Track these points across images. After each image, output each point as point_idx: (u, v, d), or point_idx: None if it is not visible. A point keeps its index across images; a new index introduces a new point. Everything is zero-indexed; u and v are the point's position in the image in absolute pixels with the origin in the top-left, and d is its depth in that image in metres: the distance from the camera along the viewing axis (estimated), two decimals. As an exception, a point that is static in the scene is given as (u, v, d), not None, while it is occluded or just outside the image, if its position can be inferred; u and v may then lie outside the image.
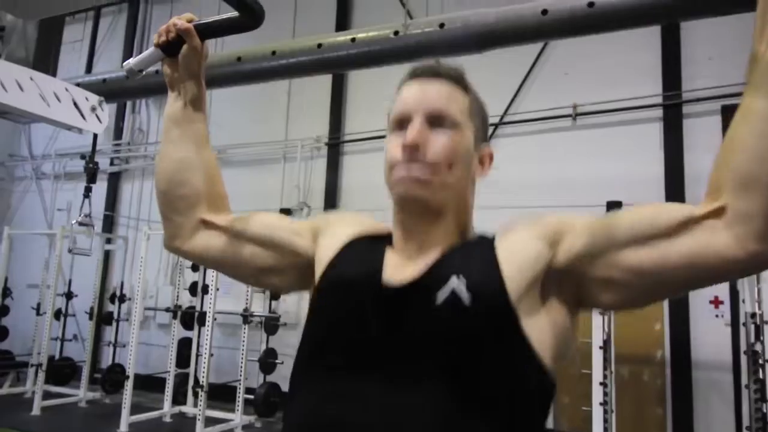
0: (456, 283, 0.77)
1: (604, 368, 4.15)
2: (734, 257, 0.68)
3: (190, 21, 0.92)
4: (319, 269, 0.91)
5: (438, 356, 0.76)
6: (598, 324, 4.01)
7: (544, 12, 3.72)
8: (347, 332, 0.82)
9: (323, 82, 7.06)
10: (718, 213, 0.70)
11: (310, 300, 0.90)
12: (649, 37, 5.53)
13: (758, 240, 0.66)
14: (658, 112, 5.55)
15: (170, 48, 0.92)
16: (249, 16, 0.86)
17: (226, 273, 1.04)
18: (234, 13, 0.86)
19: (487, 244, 0.84)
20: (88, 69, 8.41)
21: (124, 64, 0.96)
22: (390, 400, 0.74)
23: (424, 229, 0.86)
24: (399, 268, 0.83)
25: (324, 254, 0.92)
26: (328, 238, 0.94)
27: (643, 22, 3.75)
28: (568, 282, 0.81)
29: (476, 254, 0.82)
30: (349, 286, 0.85)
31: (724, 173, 0.71)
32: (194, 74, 0.97)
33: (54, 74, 6.36)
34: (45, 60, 6.17)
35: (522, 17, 3.81)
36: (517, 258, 0.80)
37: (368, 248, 0.89)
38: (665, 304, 5.31)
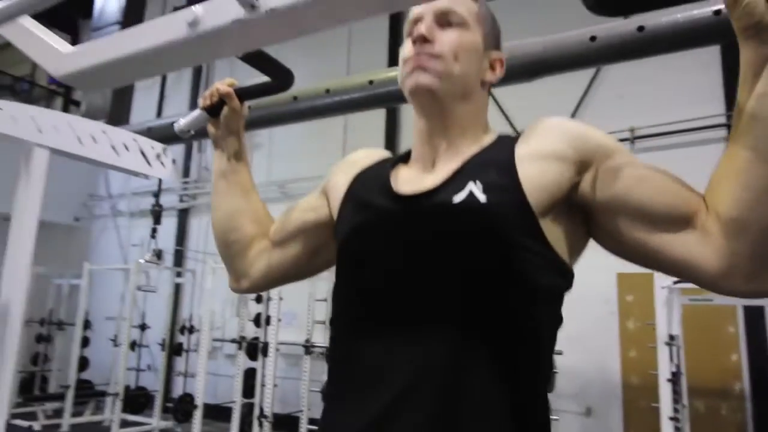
0: (473, 186, 0.80)
1: (675, 402, 3.96)
2: (719, 285, 0.73)
3: (230, 85, 1.03)
4: (335, 218, 0.96)
5: (452, 258, 0.78)
6: (664, 355, 3.85)
7: (593, 39, 3.71)
8: (365, 269, 0.85)
9: (378, 115, 7.24)
10: (711, 233, 0.73)
11: (336, 249, 0.94)
12: (708, 55, 5.37)
13: (741, 279, 0.71)
14: (722, 133, 5.34)
15: (213, 110, 1.03)
16: (280, 81, 0.96)
17: (293, 279, 1.08)
18: (268, 79, 0.97)
19: (507, 150, 0.86)
20: (159, 112, 8.99)
21: (175, 124, 1.08)
22: (408, 340, 0.77)
23: (439, 131, 0.90)
24: (416, 180, 0.87)
25: (335, 204, 0.97)
26: (334, 189, 0.99)
27: (697, 43, 3.66)
28: (583, 206, 0.84)
29: (495, 161, 0.85)
30: (362, 215, 0.89)
31: (716, 202, 0.74)
32: (235, 132, 1.07)
33: (128, 119, 6.86)
34: (120, 107, 6.67)
35: (569, 45, 3.81)
36: (536, 172, 0.81)
37: (373, 175, 0.94)
38: (741, 334, 5.03)
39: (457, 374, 0.75)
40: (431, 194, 0.84)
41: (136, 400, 7.56)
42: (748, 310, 4.93)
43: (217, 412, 7.04)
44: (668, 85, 5.56)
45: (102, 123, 1.95)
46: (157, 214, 6.23)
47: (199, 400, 5.97)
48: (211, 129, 1.07)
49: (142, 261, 6.05)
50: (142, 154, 1.91)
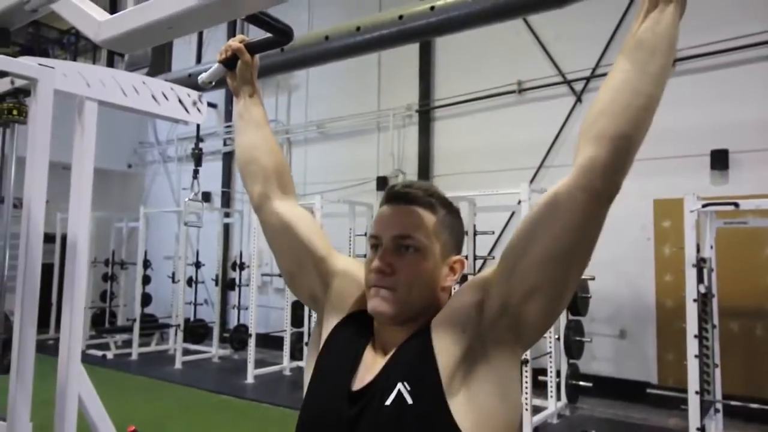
0: (401, 388, 0.91)
1: (704, 321, 4.06)
2: (585, 201, 0.83)
3: (241, 41, 1.18)
4: (323, 334, 1.07)
5: None
6: (692, 278, 3.92)
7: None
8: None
9: (411, 51, 7.20)
10: (574, 178, 0.84)
11: (306, 376, 1.08)
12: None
13: (599, 178, 0.82)
14: (765, 51, 5.12)
15: (229, 63, 1.19)
16: (281, 35, 1.11)
17: (275, 250, 1.19)
18: (270, 35, 1.11)
19: (425, 336, 0.95)
20: (198, 59, 9.17)
21: (198, 77, 1.24)
22: None
23: (389, 334, 1.00)
24: (368, 366, 0.99)
25: (326, 325, 1.08)
26: (334, 300, 1.10)
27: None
28: (504, 321, 0.92)
29: (416, 352, 0.94)
30: (327, 382, 1.02)
31: (581, 137, 0.85)
32: (249, 81, 1.23)
33: (169, 67, 7.06)
34: (161, 57, 6.88)
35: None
36: (448, 342, 0.92)
37: (353, 337, 1.04)
38: (780, 255, 5.01)
39: None
40: (369, 392, 0.95)
41: (196, 331, 8.19)
42: (787, 232, 4.89)
43: (270, 341, 7.56)
44: (709, 4, 5.31)
45: (142, 75, 2.12)
46: (197, 157, 6.58)
47: (252, 330, 6.44)
48: (229, 81, 1.24)
49: (186, 200, 6.42)
50: (180, 101, 2.09)
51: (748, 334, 5.09)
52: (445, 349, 0.92)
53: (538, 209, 0.89)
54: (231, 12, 0.86)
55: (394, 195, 1.04)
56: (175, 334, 7.61)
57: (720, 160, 5.24)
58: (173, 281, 8.28)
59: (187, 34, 1.02)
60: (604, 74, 4.34)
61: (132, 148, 10.57)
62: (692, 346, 3.82)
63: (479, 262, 5.69)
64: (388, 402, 0.91)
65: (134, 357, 7.62)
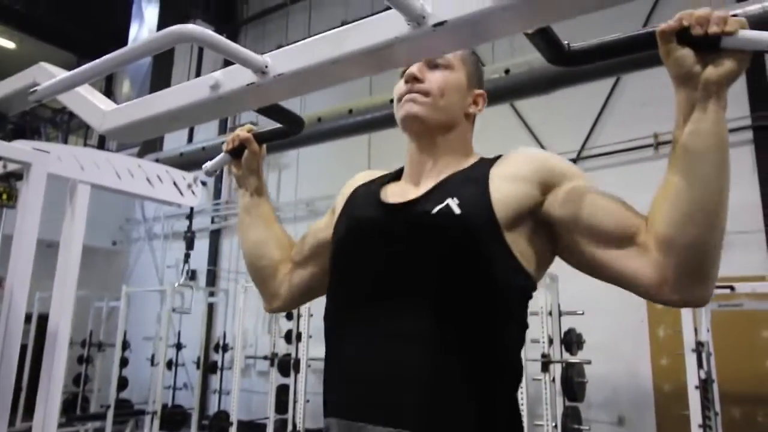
0: (450, 200, 0.92)
1: (707, 409, 3.93)
2: (651, 295, 0.84)
3: (249, 131, 1.16)
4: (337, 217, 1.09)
5: (430, 256, 0.90)
6: (692, 363, 3.83)
7: (607, 50, 3.75)
8: (352, 267, 0.99)
9: (401, 133, 7.34)
10: (648, 249, 0.84)
11: (331, 249, 1.07)
12: (730, 59, 5.34)
13: (670, 290, 0.82)
14: (748, 135, 5.30)
15: (235, 152, 1.16)
16: (292, 125, 1.08)
17: (316, 295, 1.19)
18: (281, 126, 1.09)
19: (483, 170, 0.98)
20: (189, 138, 9.29)
21: (203, 166, 1.21)
22: (389, 331, 0.89)
23: (430, 154, 1.04)
24: (402, 193, 1.01)
25: (337, 216, 1.09)
26: (339, 206, 1.12)
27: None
28: (546, 224, 0.94)
29: (471, 180, 0.97)
30: (352, 221, 1.03)
31: (653, 221, 0.84)
32: (255, 171, 1.21)
33: (161, 147, 7.11)
34: (153, 138, 6.92)
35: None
36: (506, 190, 0.93)
37: (368, 189, 1.08)
38: (775, 338, 4.95)
39: (431, 372, 0.86)
40: (413, 204, 0.97)
41: (173, 418, 7.75)
42: (781, 314, 4.85)
43: (252, 429, 7.17)
44: (689, 90, 5.53)
45: (136, 158, 2.10)
46: (189, 240, 6.52)
47: (234, 417, 6.11)
48: (234, 170, 1.20)
49: (176, 285, 6.26)
50: (175, 184, 2.05)
51: (750, 421, 4.92)
52: (503, 191, 0.92)
53: (620, 230, 0.88)
54: (243, 105, 0.83)
55: None
56: (152, 421, 7.19)
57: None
58: (152, 364, 7.93)
59: (194, 125, 0.99)
60: (590, 156, 4.43)
61: (118, 225, 10.46)
62: (697, 436, 3.67)
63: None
64: (433, 210, 0.91)
65: (105, 447, 7.17)
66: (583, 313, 4.57)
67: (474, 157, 1.07)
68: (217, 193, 9.31)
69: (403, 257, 0.92)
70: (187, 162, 5.97)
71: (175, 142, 8.29)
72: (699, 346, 3.94)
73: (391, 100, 4.39)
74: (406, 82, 1.03)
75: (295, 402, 6.57)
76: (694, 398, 3.75)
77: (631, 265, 0.85)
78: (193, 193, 2.14)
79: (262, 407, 7.24)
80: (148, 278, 9.85)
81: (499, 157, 1.01)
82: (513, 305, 0.93)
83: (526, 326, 0.96)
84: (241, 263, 8.83)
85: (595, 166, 6.05)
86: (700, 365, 3.89)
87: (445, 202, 0.92)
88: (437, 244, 0.90)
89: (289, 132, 1.09)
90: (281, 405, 6.75)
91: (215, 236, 9.28)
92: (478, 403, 0.85)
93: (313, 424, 6.33)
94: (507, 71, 4.35)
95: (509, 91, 4.44)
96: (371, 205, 1.02)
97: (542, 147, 6.37)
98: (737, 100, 5.38)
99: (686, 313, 3.92)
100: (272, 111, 1.00)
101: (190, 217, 6.88)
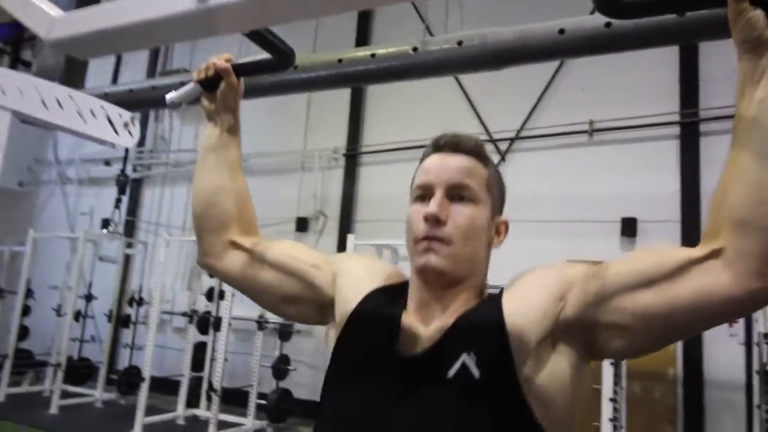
0: (466, 359, 0.82)
1: (615, 384, 4.17)
2: (734, 295, 0.73)
3: (228, 60, 1.01)
4: (339, 321, 0.95)
5: (446, 429, 0.81)
6: (609, 340, 4.03)
7: (561, 31, 3.78)
8: (363, 405, 0.88)
9: (342, 95, 7.18)
10: (716, 254, 0.75)
11: (330, 359, 0.95)
12: (668, 54, 5.55)
13: (755, 278, 0.72)
14: (675, 130, 5.57)
15: (209, 84, 1.01)
16: (281, 58, 0.95)
17: (249, 296, 1.08)
18: (267, 55, 0.95)
19: (495, 307, 0.87)
20: (115, 78, 8.63)
21: (167, 96, 1.05)
22: None
23: (440, 298, 0.91)
24: (414, 334, 0.89)
25: (343, 304, 0.96)
26: (346, 287, 0.99)
27: (660, 42, 3.79)
28: (579, 331, 0.84)
29: (485, 321, 0.86)
30: (366, 352, 0.90)
31: (721, 217, 0.76)
32: (230, 108, 1.06)
33: (83, 84, 6.55)
34: (75, 70, 6.37)
35: (539, 36, 3.87)
36: (524, 320, 0.83)
37: (385, 306, 0.93)
38: (679, 322, 5.30)
39: None
40: (425, 360, 0.86)
41: (79, 371, 7.37)
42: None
43: (164, 385, 6.94)
44: (628, 81, 5.73)
45: (67, 88, 1.87)
46: (123, 184, 6.07)
47: (147, 373, 5.87)
48: (205, 103, 1.05)
49: (105, 232, 5.83)
50: (109, 121, 1.85)
51: (648, 396, 5.30)
52: (520, 326, 0.83)
53: (665, 264, 0.78)
54: (233, 25, 0.71)
55: (446, 143, 0.96)
56: (54, 373, 6.79)
57: (629, 227, 5.55)
58: (58, 314, 7.46)
59: (167, 44, 0.84)
60: (528, 137, 4.45)
61: (26, 165, 9.63)
62: (607, 409, 3.89)
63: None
64: (450, 374, 0.82)
65: (0, 398, 6.71)
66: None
67: (485, 291, 0.97)
68: (141, 140, 8.74)
69: (414, 426, 0.83)
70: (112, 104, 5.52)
71: (98, 80, 7.67)
72: (615, 326, 4.15)
73: (340, 60, 4.19)
74: (426, 220, 0.90)
75: (212, 360, 6.42)
76: (607, 374, 3.96)
77: (698, 281, 0.75)
78: (130, 133, 1.94)
79: (176, 364, 7.02)
80: (58, 224, 9.18)
81: (501, 292, 0.91)
82: None
83: None
84: (163, 216, 8.43)
85: (532, 147, 6.18)
86: (614, 344, 4.10)
87: (461, 361, 0.82)
88: (454, 414, 0.81)
89: (276, 66, 0.96)
90: (197, 363, 6.58)
91: (136, 185, 8.76)
92: None
93: (229, 383, 6.21)
94: (460, 43, 4.28)
95: (460, 63, 4.39)
96: (381, 347, 0.89)
97: (483, 124, 6.43)
98: (668, 97, 5.63)
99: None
100: (262, 37, 0.87)
101: (125, 159, 6.44)
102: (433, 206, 0.90)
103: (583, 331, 0.84)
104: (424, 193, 0.94)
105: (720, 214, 0.76)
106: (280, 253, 1.06)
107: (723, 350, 5.08)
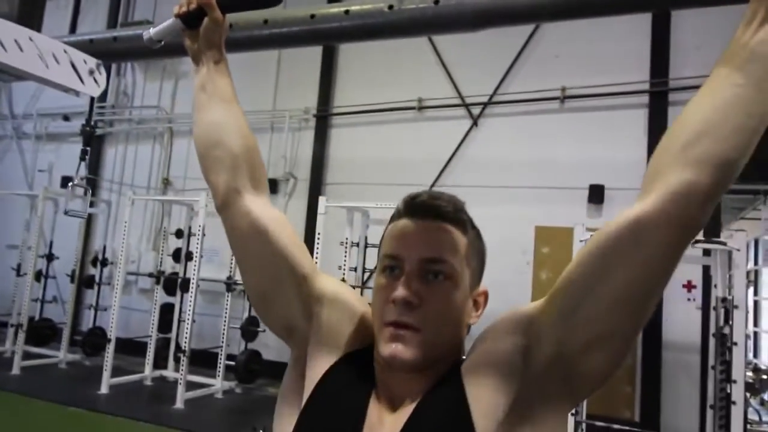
0: None
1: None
2: (672, 233, 0.70)
3: None
4: (306, 387, 0.86)
5: None
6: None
7: (539, -7, 3.74)
8: None
9: (314, 54, 7.01)
10: (660, 206, 0.70)
11: (296, 422, 0.85)
12: (640, 23, 5.58)
13: (696, 209, 0.69)
14: (645, 99, 5.64)
15: (191, 20, 0.94)
16: (269, -7, 0.89)
17: (242, 264, 0.95)
18: None
19: (457, 385, 0.79)
20: (73, 29, 8.21)
21: (144, 33, 0.98)
22: None
23: (402, 383, 0.82)
24: (376, 426, 0.80)
25: (312, 365, 0.87)
26: (316, 346, 0.89)
27: (635, 8, 3.79)
28: (553, 375, 0.77)
29: (446, 405, 0.78)
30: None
31: (669, 154, 0.72)
32: (215, 45, 0.98)
33: (38, 31, 6.20)
34: (29, 16, 6.02)
35: (516, -2, 3.82)
36: (486, 393, 0.76)
37: (352, 386, 0.84)
38: (640, 286, 5.47)
39: None
40: None
41: (41, 332, 7.21)
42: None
43: (129, 347, 6.87)
44: (601, 49, 5.75)
45: (27, 29, 1.75)
46: (88, 135, 5.77)
47: (112, 333, 5.79)
48: (187, 42, 0.97)
49: (71, 185, 5.60)
50: (74, 67, 1.75)
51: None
52: (483, 402, 0.75)
53: (613, 238, 0.72)
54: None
55: (420, 207, 0.85)
56: (15, 334, 6.63)
57: (597, 194, 5.64)
58: (18, 274, 7.24)
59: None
60: (500, 102, 4.44)
61: (-22, 119, 9.20)
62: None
63: (367, 275, 5.61)
64: None
65: (-41, 360, 6.56)
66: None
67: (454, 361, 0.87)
68: (102, 96, 8.40)
69: None
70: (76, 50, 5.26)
71: (54, 30, 7.29)
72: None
73: (312, 16, 4.06)
74: (394, 303, 0.80)
75: (180, 321, 6.36)
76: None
77: (633, 213, 0.71)
78: (96, 81, 1.84)
79: (142, 325, 6.93)
80: (15, 181, 8.84)
81: (460, 363, 0.83)
82: None
83: None
84: (127, 174, 8.19)
85: (504, 113, 6.17)
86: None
87: None
88: None
89: (264, 1, 0.90)
90: (165, 324, 6.51)
91: (97, 142, 8.45)
92: None
93: (197, 344, 6.18)
94: (437, 2, 4.20)
95: (436, 23, 4.30)
96: (349, 425, 0.80)
97: (456, 88, 6.37)
98: (639, 66, 5.67)
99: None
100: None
101: (90, 107, 6.17)
102: (402, 290, 0.79)
103: (562, 367, 0.77)
104: (393, 264, 0.83)
105: (668, 153, 0.73)
106: (284, 237, 0.91)
107: (680, 314, 5.28)
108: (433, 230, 0.83)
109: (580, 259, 0.75)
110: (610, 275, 0.73)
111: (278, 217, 0.93)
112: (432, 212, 0.84)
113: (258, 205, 0.92)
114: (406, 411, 0.80)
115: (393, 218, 0.88)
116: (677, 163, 0.71)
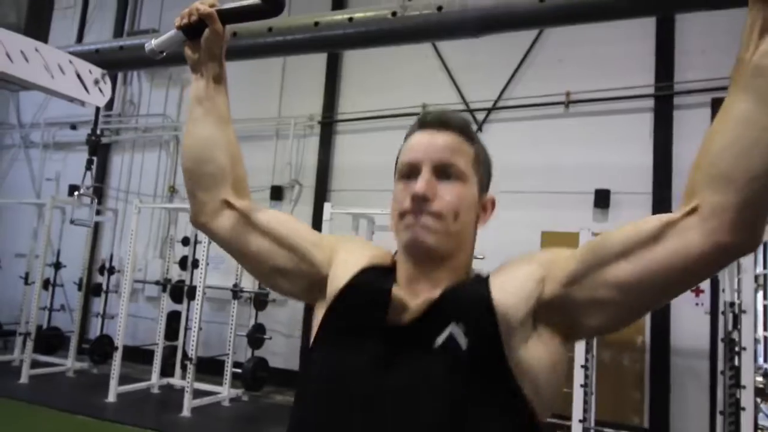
0: (453, 329, 0.83)
1: (587, 352, 4.27)
2: (706, 252, 0.74)
3: (212, 6, 0.95)
4: (330, 295, 0.94)
5: (434, 397, 0.81)
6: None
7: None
8: (349, 367, 0.87)
9: (318, 61, 7.04)
10: (691, 213, 0.75)
11: (318, 326, 0.94)
12: (644, 27, 5.56)
13: (727, 232, 0.72)
14: (650, 103, 5.61)
15: (192, 31, 0.95)
16: (270, 4, 0.89)
17: (238, 260, 1.05)
18: (256, 1, 0.90)
19: (483, 285, 0.88)
20: (80, 38, 8.28)
21: (146, 44, 0.99)
22: None
23: (428, 273, 0.90)
24: (403, 305, 0.88)
25: (336, 280, 0.95)
26: (341, 264, 0.98)
27: (639, 13, 3.79)
28: (558, 313, 0.85)
29: (473, 296, 0.86)
30: (355, 320, 0.90)
31: (701, 174, 0.76)
32: (215, 57, 1.00)
33: (45, 42, 6.26)
34: (37, 26, 6.08)
35: (519, 4, 3.82)
36: (510, 300, 0.84)
37: (376, 282, 0.93)
38: (648, 291, 5.43)
39: None
40: (413, 330, 0.86)
41: (49, 340, 7.25)
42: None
43: (136, 355, 6.89)
44: (605, 53, 5.74)
45: (33, 40, 1.76)
46: (94, 145, 5.81)
47: (120, 342, 5.80)
48: (188, 52, 0.99)
49: (76, 194, 5.63)
50: (79, 78, 1.76)
51: (617, 364, 5.45)
52: (506, 305, 0.83)
53: (641, 232, 0.79)
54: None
55: (432, 120, 0.95)
56: (24, 342, 6.66)
57: (603, 198, 5.62)
58: (26, 283, 7.29)
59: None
60: (505, 107, 4.46)
61: (-14, 128, 9.28)
62: (579, 376, 3.99)
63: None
64: (437, 344, 0.83)
65: (-32, 368, 6.59)
66: (483, 258, 4.74)
67: (471, 270, 0.97)
68: (109, 104, 8.45)
69: (401, 395, 0.82)
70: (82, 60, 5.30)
71: (61, 40, 7.36)
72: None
73: (316, 23, 4.08)
74: (413, 199, 0.89)
75: (187, 329, 6.37)
76: (579, 342, 4.04)
77: (672, 243, 0.76)
78: (101, 91, 1.85)
79: (149, 333, 6.95)
80: (23, 190, 8.90)
81: (488, 276, 0.91)
82: None
83: None
84: (133, 182, 8.23)
85: (509, 118, 6.17)
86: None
87: (448, 331, 0.83)
88: (441, 382, 0.82)
89: (265, 12, 0.90)
90: (171, 332, 6.52)
91: (104, 151, 8.51)
92: None
93: (204, 352, 6.19)
94: (440, 8, 4.21)
95: (439, 29, 4.32)
96: (370, 316, 0.89)
97: (460, 94, 6.39)
98: (644, 70, 5.66)
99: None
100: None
101: (96, 117, 6.21)
102: (420, 184, 0.88)
103: (562, 311, 0.85)
104: (410, 171, 0.92)
105: (700, 170, 0.76)
106: (277, 224, 1.03)
107: (689, 319, 5.24)
108: (444, 139, 0.92)
109: (613, 236, 0.82)
110: (627, 260, 0.79)
111: (271, 213, 1.05)
112: (442, 125, 0.94)
113: (245, 206, 1.03)
114: (431, 296, 0.88)
115: (407, 136, 0.98)
116: (703, 178, 0.75)
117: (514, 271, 0.89)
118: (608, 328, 0.87)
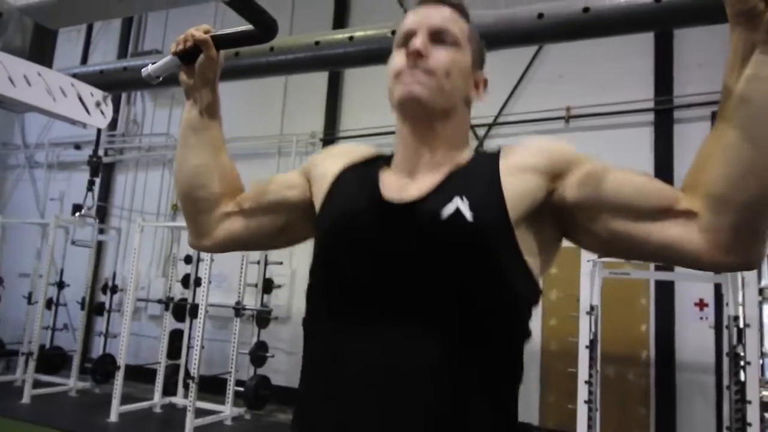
0: (460, 202, 0.83)
1: (590, 367, 4.23)
2: (702, 260, 0.77)
3: (206, 32, 0.98)
4: (317, 208, 0.97)
5: (441, 270, 0.82)
6: (585, 324, 4.09)
7: (540, 16, 3.78)
8: (349, 267, 0.87)
9: (320, 79, 7.10)
10: (693, 215, 0.78)
11: (314, 242, 0.96)
12: (643, 42, 5.60)
13: (724, 252, 0.75)
14: (650, 117, 5.64)
15: (187, 57, 0.97)
16: (263, 30, 0.91)
17: (251, 248, 1.12)
18: (249, 27, 0.92)
19: (491, 163, 0.90)
20: (84, 59, 8.39)
21: (143, 70, 1.01)
22: (394, 339, 0.81)
23: (425, 138, 0.93)
24: (400, 188, 0.90)
25: (318, 193, 0.98)
26: (319, 177, 1.00)
27: (637, 28, 3.82)
28: (560, 212, 0.88)
29: (480, 174, 0.88)
30: (354, 201, 0.91)
31: (700, 182, 0.78)
32: (209, 82, 1.03)
33: (50, 65, 6.35)
34: (42, 50, 6.16)
35: (518, 20, 3.86)
36: (519, 184, 0.86)
37: (361, 174, 0.95)
38: (651, 306, 5.41)
39: (448, 377, 0.80)
40: (417, 204, 0.86)
41: (51, 360, 7.23)
42: (658, 284, 5.31)
43: (140, 374, 6.86)
44: (605, 68, 5.78)
45: (35, 64, 1.79)
46: (95, 166, 5.88)
47: (122, 361, 5.79)
48: (183, 77, 1.02)
49: (77, 215, 5.68)
50: (81, 100, 1.79)
51: (622, 379, 5.41)
52: (514, 185, 0.85)
53: (650, 199, 0.81)
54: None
55: None
56: (26, 362, 6.65)
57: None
58: (29, 302, 7.29)
59: (142, 12, 0.80)
60: (505, 123, 4.48)
61: (-9, 149, 9.36)
62: (583, 392, 3.95)
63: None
64: (443, 216, 0.82)
65: (-29, 388, 6.57)
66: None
67: (469, 148, 0.99)
68: (113, 124, 8.54)
69: (408, 270, 0.83)
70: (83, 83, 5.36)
71: (66, 61, 7.45)
72: (591, 308, 4.21)
73: (317, 42, 4.12)
74: (408, 56, 0.91)
75: (189, 348, 6.35)
76: (584, 357, 4.02)
77: (673, 234, 0.79)
78: (102, 113, 1.88)
79: (152, 352, 6.93)
80: (28, 210, 8.96)
81: (498, 151, 0.93)
82: (525, 319, 0.89)
83: (530, 334, 0.91)
84: (137, 201, 8.27)
85: (510, 133, 6.19)
86: (590, 327, 4.16)
87: (455, 205, 0.83)
88: (448, 257, 0.82)
89: (258, 38, 0.92)
90: (174, 350, 6.50)
91: (108, 170, 8.57)
92: (496, 418, 0.84)
93: (207, 370, 6.16)
94: (439, 26, 4.26)
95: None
96: (368, 199, 0.90)
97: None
98: (643, 84, 5.69)
99: (584, 278, 4.16)
100: (245, 7, 0.83)
101: (97, 138, 6.28)
102: (415, 42, 0.90)
103: (563, 217, 0.88)
104: (406, 39, 0.94)
105: (699, 179, 0.78)
106: (260, 194, 1.06)
107: (693, 333, 5.21)
108: (440, 10, 0.95)
109: (628, 188, 0.84)
110: (621, 216, 0.83)
111: (252, 192, 1.08)
112: (439, 0, 0.97)
113: (238, 205, 1.06)
114: (436, 170, 0.89)
115: (406, 13, 1.00)
116: (705, 196, 0.77)
117: (527, 157, 0.90)
118: (593, 250, 0.93)
